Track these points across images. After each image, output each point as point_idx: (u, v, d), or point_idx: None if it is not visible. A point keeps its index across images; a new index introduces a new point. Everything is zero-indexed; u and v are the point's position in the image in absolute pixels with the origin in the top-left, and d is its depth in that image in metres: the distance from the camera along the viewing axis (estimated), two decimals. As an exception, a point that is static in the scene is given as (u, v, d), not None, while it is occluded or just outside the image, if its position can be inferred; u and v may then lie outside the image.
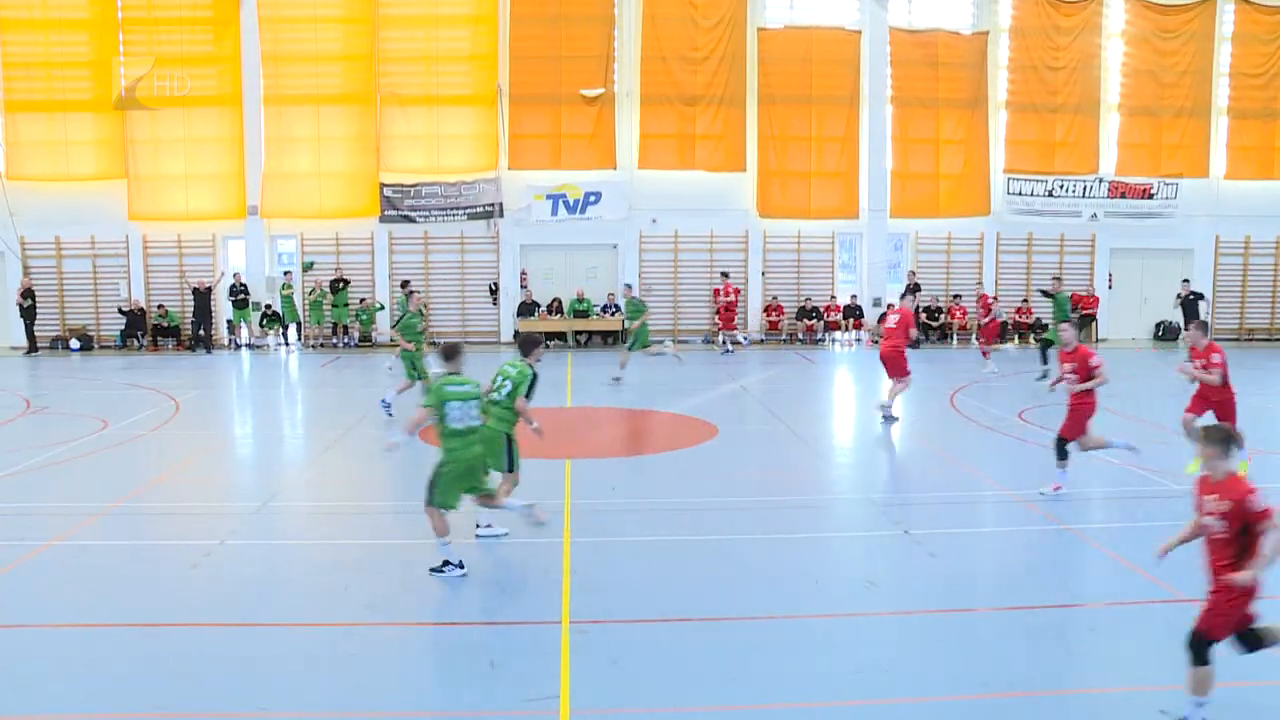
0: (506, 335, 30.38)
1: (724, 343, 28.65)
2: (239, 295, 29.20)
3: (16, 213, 28.93)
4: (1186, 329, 26.87)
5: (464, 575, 9.17)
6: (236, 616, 8.24)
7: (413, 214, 29.92)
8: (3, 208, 28.76)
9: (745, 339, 30.18)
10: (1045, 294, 24.32)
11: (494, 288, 30.41)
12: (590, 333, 30.22)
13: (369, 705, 6.74)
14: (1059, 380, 12.47)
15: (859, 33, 30.36)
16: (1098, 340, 31.20)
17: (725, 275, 29.68)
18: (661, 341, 25.85)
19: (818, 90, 30.36)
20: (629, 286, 25.64)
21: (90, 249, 29.55)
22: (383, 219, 29.90)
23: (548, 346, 27.52)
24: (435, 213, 29.94)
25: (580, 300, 29.82)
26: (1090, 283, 31.58)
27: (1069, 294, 25.26)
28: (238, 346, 29.56)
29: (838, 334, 31.05)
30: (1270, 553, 6.22)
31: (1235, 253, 31.96)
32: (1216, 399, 12.83)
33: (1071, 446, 12.10)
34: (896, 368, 17.04)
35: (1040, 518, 11.05)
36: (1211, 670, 6.28)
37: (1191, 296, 28.57)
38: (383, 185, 29.73)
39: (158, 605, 8.48)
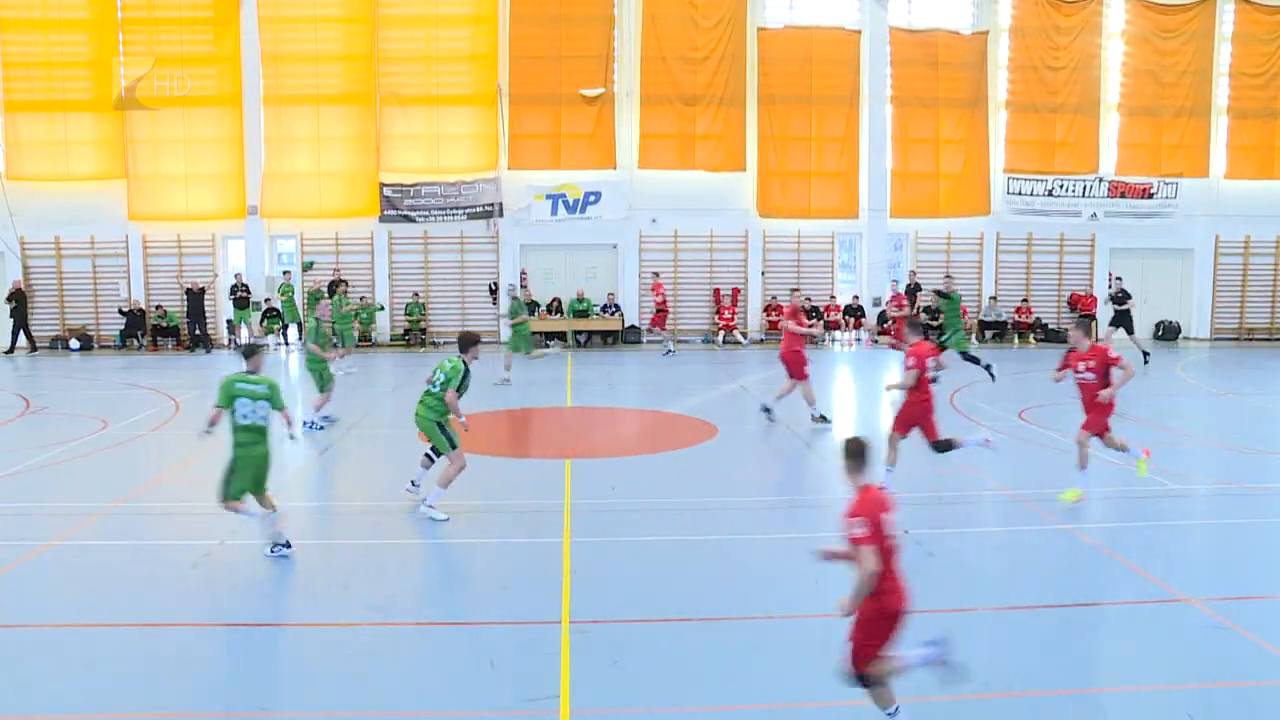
0: (506, 335, 30.35)
1: (666, 344, 28.57)
2: (239, 295, 29.21)
3: (16, 213, 28.94)
4: (1111, 325, 25.97)
5: (290, 552, 9.64)
6: (236, 616, 8.25)
7: (412, 214, 29.92)
8: (2, 208, 28.77)
9: (745, 338, 30.22)
10: (940, 294, 22.80)
11: (493, 287, 30.41)
12: (590, 332, 30.22)
13: (369, 705, 6.74)
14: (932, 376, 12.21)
15: (859, 32, 30.36)
16: (1097, 339, 31.19)
17: (656, 275, 29.56)
18: (546, 346, 25.71)
19: (818, 90, 30.36)
20: (513, 285, 25.11)
21: (90, 249, 29.56)
22: (382, 219, 29.91)
23: (547, 346, 27.63)
24: (435, 212, 29.95)
25: (580, 300, 29.82)
26: (1089, 283, 31.60)
27: (961, 294, 23.52)
28: (237, 346, 29.54)
29: (838, 334, 31.04)
30: (858, 575, 5.89)
31: (1235, 252, 31.96)
32: (1088, 400, 11.64)
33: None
34: (796, 368, 16.47)
35: (1040, 517, 11.05)
36: (886, 690, 6.09)
37: (1120, 294, 26.62)
38: (382, 185, 29.74)
39: (158, 605, 8.48)
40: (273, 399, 9.74)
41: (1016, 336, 30.85)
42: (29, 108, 28.87)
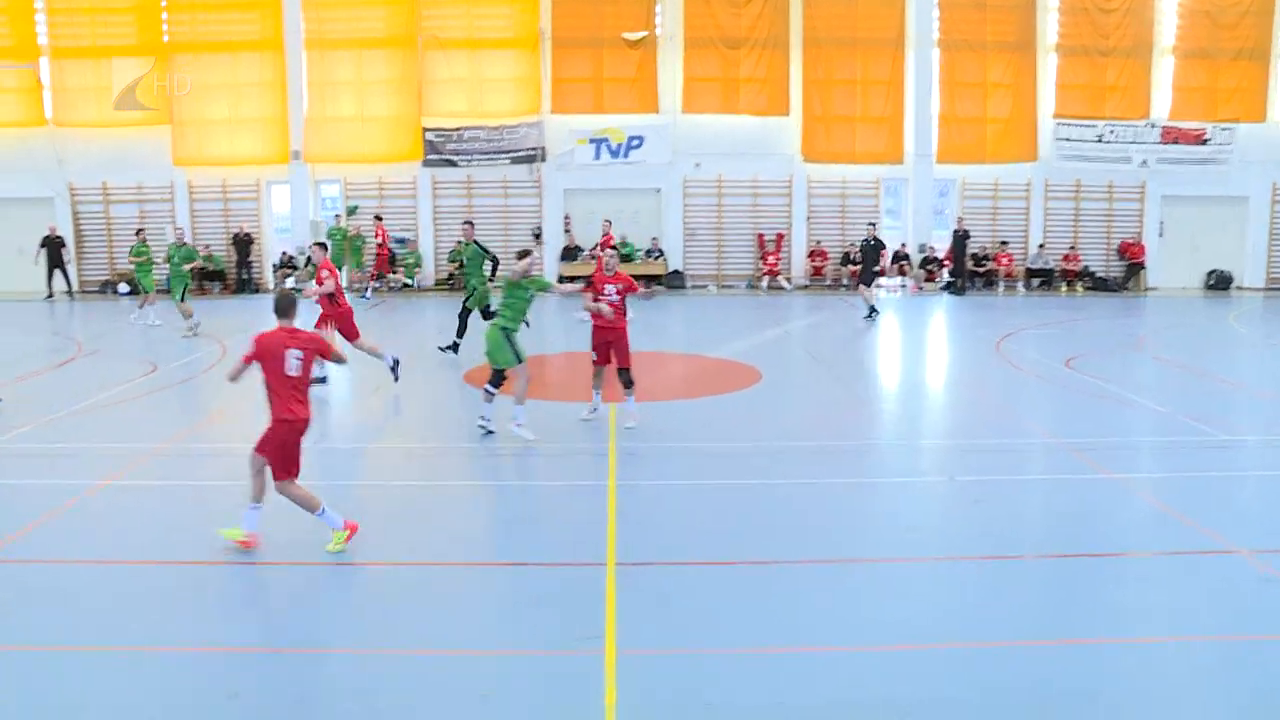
0: (550, 279, 30.33)
1: (365, 290, 28.05)
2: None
3: (65, 160, 29.23)
4: (859, 276, 24.08)
5: None
6: (283, 555, 8.39)
7: (455, 158, 29.89)
8: (50, 154, 29.06)
9: (789, 283, 30.07)
10: (467, 244, 18.31)
11: (537, 232, 30.40)
12: (633, 276, 30.08)
13: (416, 642, 6.85)
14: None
15: (907, -27, 29.80)
16: (1147, 289, 30.69)
17: (378, 218, 28.71)
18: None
19: (863, 32, 29.87)
20: (180, 230, 23.70)
21: (137, 194, 29.82)
22: (425, 163, 29.91)
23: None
24: (478, 157, 29.91)
25: (624, 244, 29.68)
26: (1139, 231, 31.04)
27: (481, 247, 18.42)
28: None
29: (883, 280, 30.75)
30: None
31: (1292, 200, 31.27)
32: None
33: None
34: (348, 329, 15.03)
35: (1086, 466, 10.96)
36: None
37: (874, 242, 23.47)
38: (425, 129, 29.71)
39: (206, 543, 8.60)
40: None
41: (1064, 284, 30.45)
42: (73, 54, 29.00)
